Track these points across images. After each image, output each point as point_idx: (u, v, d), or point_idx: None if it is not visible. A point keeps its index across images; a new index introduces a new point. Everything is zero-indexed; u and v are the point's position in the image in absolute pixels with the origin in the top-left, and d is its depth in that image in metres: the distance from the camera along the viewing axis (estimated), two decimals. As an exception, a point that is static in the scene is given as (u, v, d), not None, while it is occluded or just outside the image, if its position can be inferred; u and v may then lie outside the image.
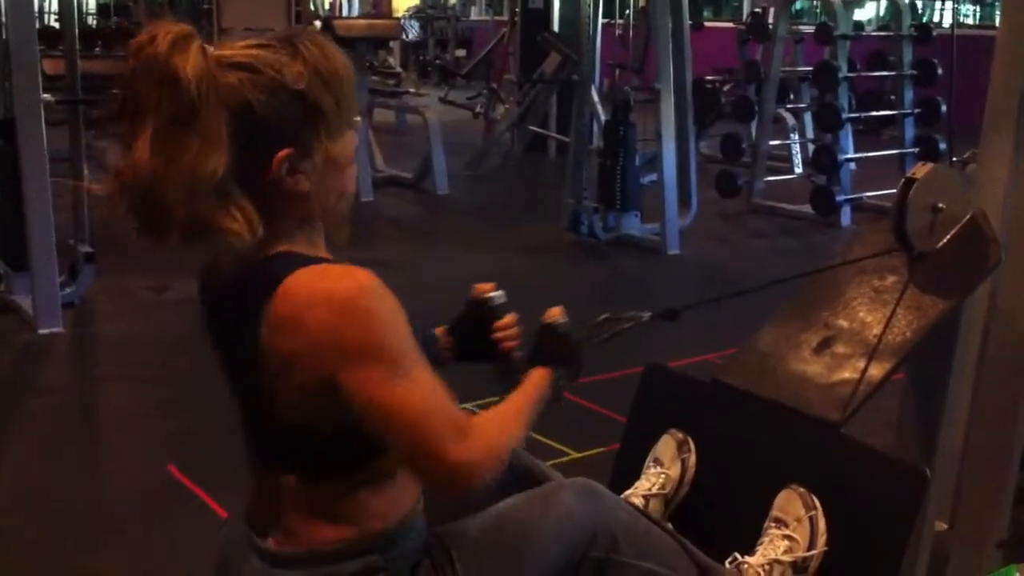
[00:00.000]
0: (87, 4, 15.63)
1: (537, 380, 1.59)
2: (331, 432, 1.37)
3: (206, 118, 1.28)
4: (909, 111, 7.36)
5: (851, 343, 2.02)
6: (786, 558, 1.76)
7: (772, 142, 7.85)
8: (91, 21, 14.26)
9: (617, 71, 7.46)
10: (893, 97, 7.80)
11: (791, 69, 8.54)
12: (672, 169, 6.27)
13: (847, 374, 1.96)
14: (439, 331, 1.74)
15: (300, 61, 1.35)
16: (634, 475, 2.03)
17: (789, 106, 8.45)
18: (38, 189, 4.37)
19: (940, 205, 1.95)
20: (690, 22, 6.65)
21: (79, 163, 5.02)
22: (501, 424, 1.48)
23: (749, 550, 1.80)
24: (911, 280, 1.99)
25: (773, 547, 1.78)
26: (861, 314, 2.05)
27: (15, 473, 3.25)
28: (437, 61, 15.24)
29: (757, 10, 10.14)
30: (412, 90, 9.24)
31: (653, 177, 6.56)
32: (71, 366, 4.36)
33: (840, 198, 6.94)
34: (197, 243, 1.34)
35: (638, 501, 1.95)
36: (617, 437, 2.26)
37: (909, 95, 7.40)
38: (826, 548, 1.78)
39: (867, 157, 7.61)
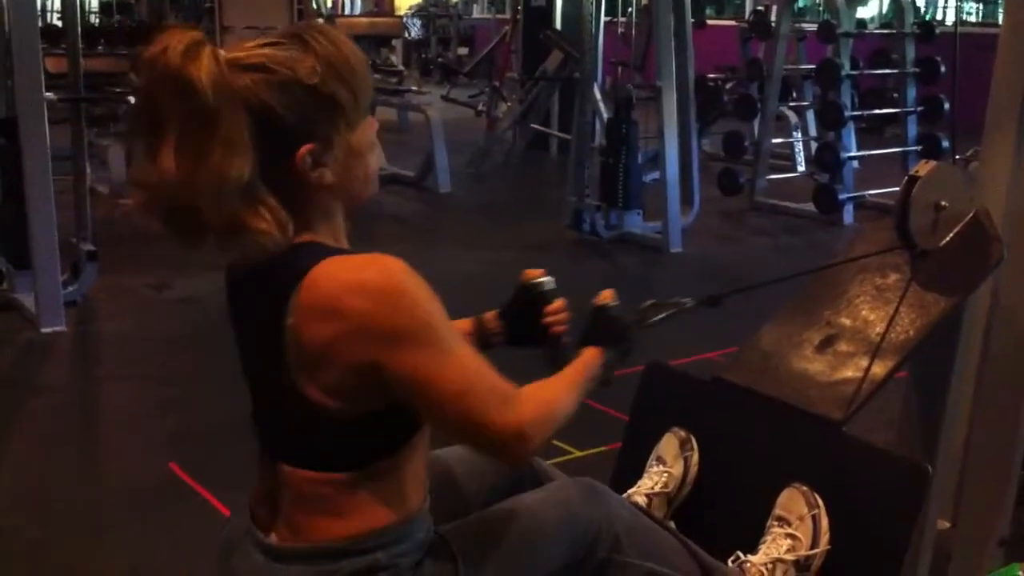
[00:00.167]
0: (90, 2, 15.63)
1: (588, 359, 1.61)
2: (353, 421, 1.37)
3: (226, 123, 1.29)
4: (912, 109, 7.35)
5: (853, 341, 2.01)
6: (789, 557, 1.76)
7: (774, 140, 7.84)
8: (94, 19, 14.27)
9: (619, 69, 7.44)
10: (896, 95, 7.79)
11: (793, 67, 8.53)
12: (674, 167, 6.26)
13: (849, 372, 1.96)
14: (490, 315, 1.76)
15: (312, 55, 1.36)
16: (636, 474, 2.03)
17: (792, 104, 8.43)
18: (40, 187, 4.37)
19: (943, 203, 1.95)
20: (692, 20, 6.65)
21: (81, 161, 5.03)
22: (551, 393, 1.49)
23: (752, 549, 1.80)
24: (914, 278, 1.99)
25: (776, 546, 1.78)
26: (863, 312, 2.05)
27: (16, 471, 3.25)
28: (439, 59, 15.23)
29: (759, 8, 10.14)
30: (414, 88, 9.23)
31: (655, 175, 6.56)
32: (73, 364, 4.36)
33: (843, 196, 6.93)
34: (230, 245, 1.35)
35: (641, 500, 1.95)
36: (619, 436, 2.26)
37: (912, 93, 7.39)
38: (829, 547, 1.78)
39: (870, 155, 7.60)
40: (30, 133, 4.34)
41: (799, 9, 12.78)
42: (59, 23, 10.71)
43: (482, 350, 1.65)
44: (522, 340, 1.74)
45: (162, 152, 1.31)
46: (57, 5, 11.70)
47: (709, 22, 10.90)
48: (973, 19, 14.80)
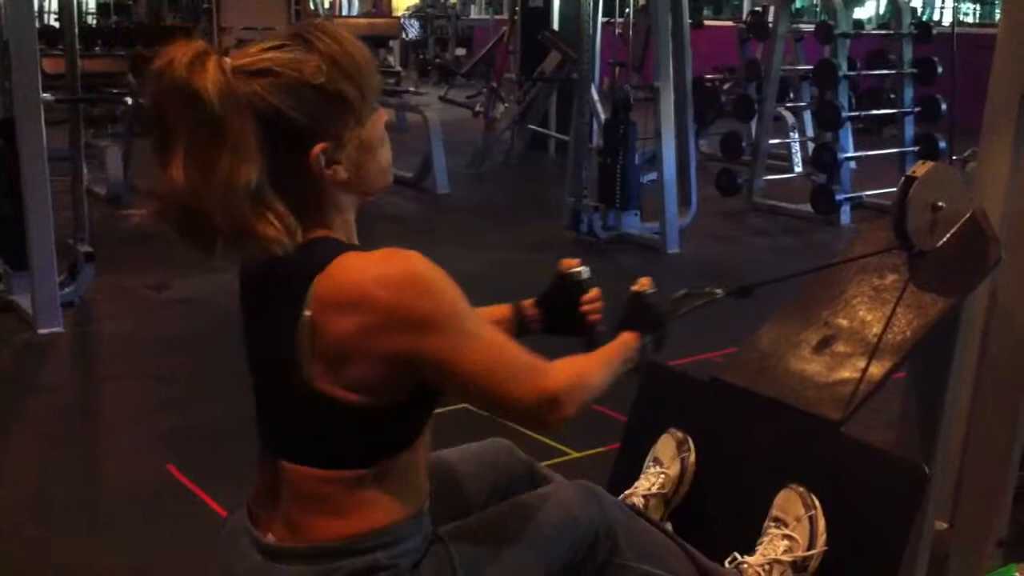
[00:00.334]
0: (87, 3, 15.63)
1: (624, 341, 1.65)
2: (368, 416, 1.38)
3: (233, 131, 1.31)
4: (909, 109, 7.35)
5: (851, 342, 2.01)
6: (786, 558, 1.76)
7: (772, 140, 7.85)
8: (91, 20, 14.26)
9: (617, 69, 7.45)
10: (893, 95, 7.79)
11: (791, 68, 8.53)
12: (672, 168, 6.26)
13: (847, 373, 1.96)
14: (527, 303, 1.80)
15: (316, 54, 1.37)
16: (634, 475, 2.03)
17: (789, 104, 8.44)
18: (38, 188, 4.37)
19: (940, 204, 1.95)
20: (690, 20, 6.65)
21: (79, 162, 5.02)
22: (583, 365, 1.53)
23: (749, 550, 1.80)
24: (911, 279, 1.99)
25: (773, 547, 1.78)
26: (861, 313, 2.05)
27: (14, 472, 3.25)
28: (437, 60, 15.23)
29: (757, 8, 10.15)
30: (412, 89, 9.24)
31: (653, 176, 6.56)
32: (70, 365, 4.36)
33: (840, 197, 6.94)
34: (238, 249, 1.37)
35: (638, 501, 1.95)
36: (616, 436, 2.26)
37: (909, 93, 7.39)
38: (826, 548, 1.78)
39: (867, 156, 7.60)
40: (27, 134, 4.33)
41: (797, 10, 12.80)
42: (56, 24, 10.70)
43: (519, 336, 1.69)
44: (558, 328, 1.78)
45: (172, 162, 1.33)
46: (54, 6, 11.69)
47: (707, 23, 10.89)
48: (970, 20, 14.83)
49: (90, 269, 4.85)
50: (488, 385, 1.39)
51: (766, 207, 7.48)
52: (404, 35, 15.90)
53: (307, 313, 1.34)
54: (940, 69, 7.17)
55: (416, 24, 17.13)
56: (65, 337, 4.45)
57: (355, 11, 19.65)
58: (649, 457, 2.04)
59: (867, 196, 7.07)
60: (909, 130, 7.40)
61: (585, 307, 1.76)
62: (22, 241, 4.44)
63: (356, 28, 11.58)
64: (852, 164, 7.34)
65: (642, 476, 2.01)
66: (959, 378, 2.08)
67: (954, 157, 5.70)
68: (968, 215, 1.99)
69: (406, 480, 1.45)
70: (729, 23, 11.87)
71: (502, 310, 1.77)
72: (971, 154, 2.16)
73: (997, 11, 12.40)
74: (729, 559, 1.79)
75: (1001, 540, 2.23)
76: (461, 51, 16.78)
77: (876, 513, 1.76)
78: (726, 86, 9.33)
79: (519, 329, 1.75)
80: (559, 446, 3.31)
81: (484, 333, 1.40)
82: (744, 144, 7.63)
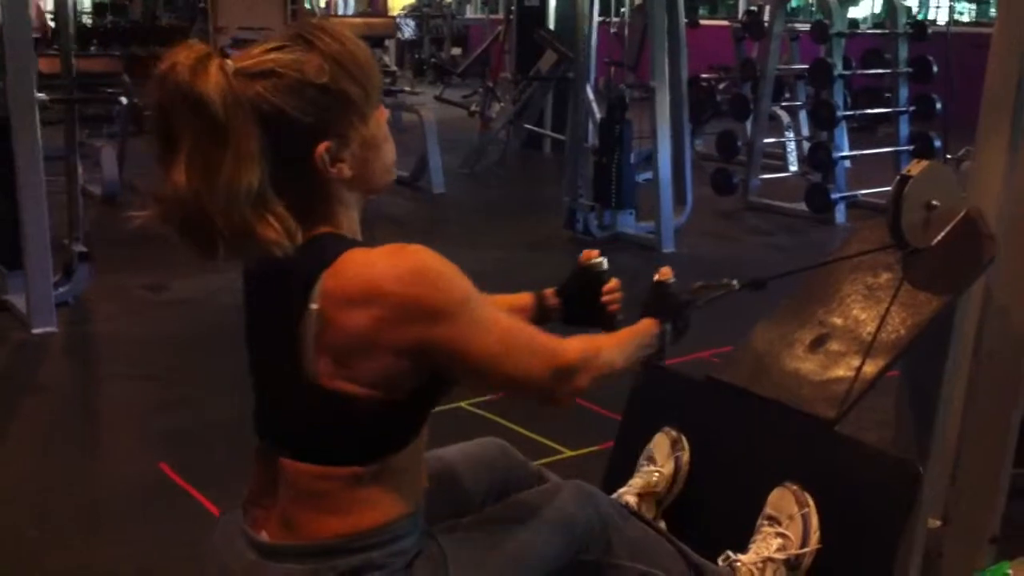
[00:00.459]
0: (82, 3, 15.61)
1: (643, 325, 1.70)
2: (375, 410, 1.39)
3: (236, 135, 1.32)
4: (904, 109, 7.36)
5: (845, 341, 2.02)
6: (779, 556, 1.77)
7: (767, 140, 7.85)
8: (86, 20, 14.25)
9: (613, 69, 7.44)
10: (888, 95, 7.80)
11: (787, 67, 8.53)
12: (667, 167, 6.26)
13: (841, 372, 1.96)
14: (548, 292, 1.83)
15: (317, 54, 1.38)
16: (628, 473, 2.03)
17: (784, 104, 8.44)
18: (33, 188, 4.36)
19: (935, 202, 1.95)
20: (686, 20, 6.64)
21: (74, 162, 5.01)
22: (597, 341, 1.57)
23: (742, 548, 1.80)
24: (905, 277, 1.99)
25: (766, 545, 1.78)
26: (855, 311, 2.05)
27: (8, 472, 3.24)
28: (433, 59, 15.24)
29: (753, 8, 10.15)
30: (408, 88, 9.24)
31: (649, 175, 6.56)
32: (64, 366, 4.35)
33: (835, 196, 6.94)
34: (239, 252, 1.38)
35: (632, 499, 1.95)
36: (611, 435, 2.26)
37: (905, 92, 7.40)
38: (819, 546, 1.78)
39: (862, 155, 7.61)
40: (22, 134, 4.32)
41: (792, 9, 12.80)
42: (52, 23, 10.67)
43: (539, 324, 1.70)
44: (578, 318, 1.82)
45: (175, 166, 1.33)
46: (49, 5, 11.66)
47: (702, 22, 10.91)
48: (966, 19, 14.84)
49: (85, 269, 4.84)
50: (504, 366, 1.42)
51: (761, 206, 7.48)
52: (400, 34, 15.89)
53: (314, 307, 1.35)
54: (935, 68, 7.18)
55: (412, 23, 17.11)
56: (59, 337, 4.44)
57: (351, 10, 19.64)
58: (643, 456, 2.04)
59: (862, 195, 7.07)
60: (904, 129, 7.41)
61: (605, 297, 1.79)
62: (17, 241, 4.43)
63: (352, 28, 11.57)
64: (847, 163, 7.35)
65: (636, 474, 2.01)
66: (953, 376, 2.08)
67: (949, 156, 5.72)
68: (962, 214, 1.99)
69: (403, 479, 1.45)
70: (725, 22, 11.87)
71: (523, 298, 1.80)
72: (966, 153, 2.17)
73: (992, 10, 12.42)
74: (723, 557, 1.79)
75: (994, 537, 2.23)
76: (457, 50, 16.76)
77: (870, 511, 1.76)
78: (722, 85, 9.34)
79: (540, 318, 1.78)
80: (553, 445, 3.31)
81: (496, 317, 1.43)
82: (739, 143, 7.63)
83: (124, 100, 6.56)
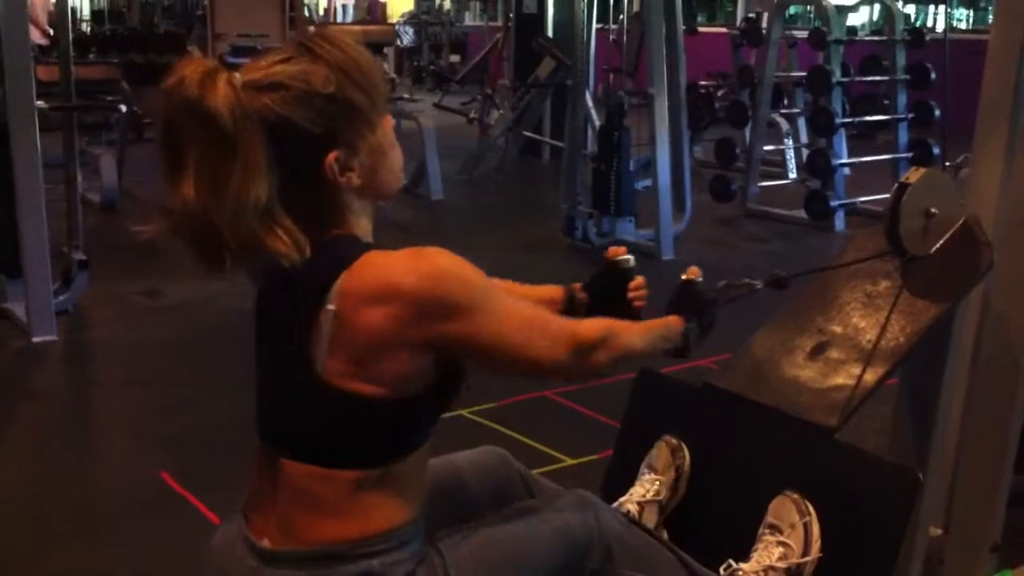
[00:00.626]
0: (81, 10, 15.63)
1: (668, 319, 1.73)
2: (387, 410, 1.40)
3: (245, 148, 1.33)
4: (903, 116, 7.37)
5: (845, 348, 2.02)
6: (781, 565, 1.76)
7: (766, 147, 7.85)
8: (85, 27, 14.26)
9: (611, 75, 7.45)
10: (887, 102, 7.81)
11: (785, 74, 8.54)
12: (666, 174, 6.26)
13: (841, 379, 1.96)
14: (577, 286, 1.87)
15: (323, 64, 1.39)
16: (628, 482, 2.03)
17: (783, 111, 8.45)
18: (32, 196, 4.35)
19: (933, 210, 1.95)
20: (684, 27, 6.65)
21: (73, 170, 5.01)
22: (617, 323, 1.59)
23: (744, 557, 1.80)
24: (904, 285, 1.99)
25: (767, 554, 1.78)
26: (855, 319, 2.05)
27: (8, 479, 3.24)
28: (431, 66, 15.26)
29: (751, 15, 10.16)
30: (406, 96, 9.22)
31: (647, 182, 6.56)
32: (64, 373, 4.34)
33: (834, 203, 6.94)
34: (247, 263, 1.40)
35: (632, 508, 1.95)
36: (611, 443, 2.26)
37: (903, 99, 7.41)
38: (820, 554, 1.78)
39: (861, 162, 7.61)
40: (21, 141, 4.32)
41: (790, 16, 12.81)
42: (50, 31, 10.67)
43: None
44: (604, 313, 1.82)
45: (184, 179, 1.34)
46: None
47: (701, 29, 10.93)
48: (963, 26, 14.86)
49: (84, 277, 4.84)
50: (526, 353, 1.45)
51: (760, 213, 7.48)
52: (399, 42, 15.90)
53: (331, 307, 1.36)
54: (934, 75, 7.19)
55: (411, 31, 17.13)
56: (59, 345, 4.44)
57: (350, 17, 19.68)
58: (644, 464, 2.04)
59: (861, 202, 7.07)
60: (903, 136, 7.42)
61: (631, 294, 1.82)
62: (16, 249, 4.43)
63: (351, 35, 11.57)
64: (846, 170, 7.35)
65: (637, 483, 2.01)
66: (952, 383, 2.08)
67: (947, 163, 5.72)
68: (961, 221, 1.99)
69: (406, 486, 1.45)
70: (723, 29, 11.90)
71: (554, 291, 1.84)
72: (964, 160, 2.16)
73: (990, 17, 12.43)
74: (724, 566, 1.79)
75: (995, 545, 2.23)
76: (455, 58, 16.79)
77: (870, 519, 1.76)
78: (720, 92, 9.35)
79: (569, 311, 1.80)
80: (554, 453, 3.31)
81: (513, 308, 1.46)
82: (738, 150, 7.63)
83: (123, 108, 6.55)
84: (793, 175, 8.09)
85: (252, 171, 1.33)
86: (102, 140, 8.12)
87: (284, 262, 1.35)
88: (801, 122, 8.60)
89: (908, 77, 7.33)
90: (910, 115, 7.33)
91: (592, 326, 1.53)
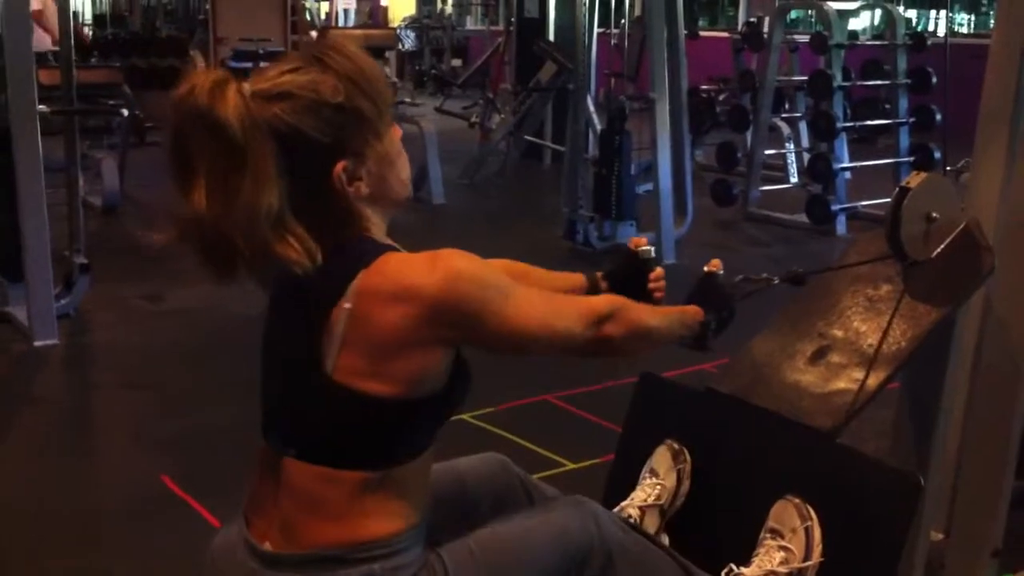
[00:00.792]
0: (83, 14, 15.65)
1: (688, 308, 1.76)
2: (397, 410, 1.40)
3: (254, 157, 1.33)
4: (904, 120, 7.36)
5: (846, 352, 2.02)
6: (782, 569, 1.76)
7: (767, 151, 7.85)
8: (87, 31, 14.27)
9: (612, 80, 7.45)
10: (888, 106, 7.81)
11: (786, 78, 8.54)
12: (668, 178, 6.26)
13: (842, 383, 1.96)
14: (598, 275, 1.89)
15: (331, 74, 1.40)
16: (629, 486, 2.03)
17: (784, 115, 8.45)
18: (33, 200, 4.36)
19: (934, 214, 1.95)
20: (685, 31, 6.66)
21: (75, 173, 5.01)
22: (634, 303, 1.62)
23: (745, 561, 1.80)
24: (906, 289, 1.99)
25: (769, 558, 1.78)
26: (856, 323, 2.05)
27: (10, 483, 3.24)
28: (433, 71, 15.23)
29: (752, 19, 10.17)
30: (408, 100, 9.25)
31: (649, 186, 6.56)
32: (66, 377, 4.35)
33: (835, 207, 6.94)
34: (259, 272, 1.41)
35: (634, 512, 1.95)
36: (613, 447, 2.26)
37: (904, 104, 7.41)
38: (822, 559, 1.78)
39: (862, 166, 7.61)
40: (23, 145, 4.32)
41: (791, 21, 12.82)
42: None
43: None
44: None
45: (194, 189, 1.34)
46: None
47: (702, 33, 10.91)
48: (965, 30, 14.87)
49: (85, 281, 4.84)
50: (546, 337, 1.48)
51: (762, 217, 7.48)
52: (400, 46, 15.91)
53: (347, 305, 1.37)
54: (935, 79, 7.19)
55: (412, 35, 17.14)
56: (60, 349, 4.44)
57: (352, 22, 19.69)
58: (645, 468, 2.04)
59: (862, 206, 7.07)
60: (904, 140, 7.41)
61: (651, 284, 1.85)
62: (18, 253, 4.43)
63: (353, 39, 11.59)
64: (847, 174, 7.35)
65: (638, 487, 2.01)
66: (953, 387, 2.09)
67: (948, 167, 5.72)
68: (962, 225, 1.99)
69: (409, 490, 1.46)
70: (724, 34, 11.90)
71: (577, 279, 1.86)
72: (965, 164, 2.17)
73: (991, 22, 12.45)
74: (725, 571, 1.79)
75: (996, 550, 2.23)
76: (457, 62, 16.78)
77: (871, 523, 1.76)
78: (721, 96, 9.34)
79: None
80: (555, 457, 3.31)
81: (529, 298, 1.48)
82: (739, 154, 7.64)
83: (125, 112, 6.56)
84: (794, 179, 8.09)
85: (263, 179, 1.33)
86: (104, 144, 8.12)
87: (296, 269, 1.36)
88: (802, 126, 8.60)
89: (909, 81, 7.33)
90: (911, 119, 7.33)
91: (602, 298, 1.60)
